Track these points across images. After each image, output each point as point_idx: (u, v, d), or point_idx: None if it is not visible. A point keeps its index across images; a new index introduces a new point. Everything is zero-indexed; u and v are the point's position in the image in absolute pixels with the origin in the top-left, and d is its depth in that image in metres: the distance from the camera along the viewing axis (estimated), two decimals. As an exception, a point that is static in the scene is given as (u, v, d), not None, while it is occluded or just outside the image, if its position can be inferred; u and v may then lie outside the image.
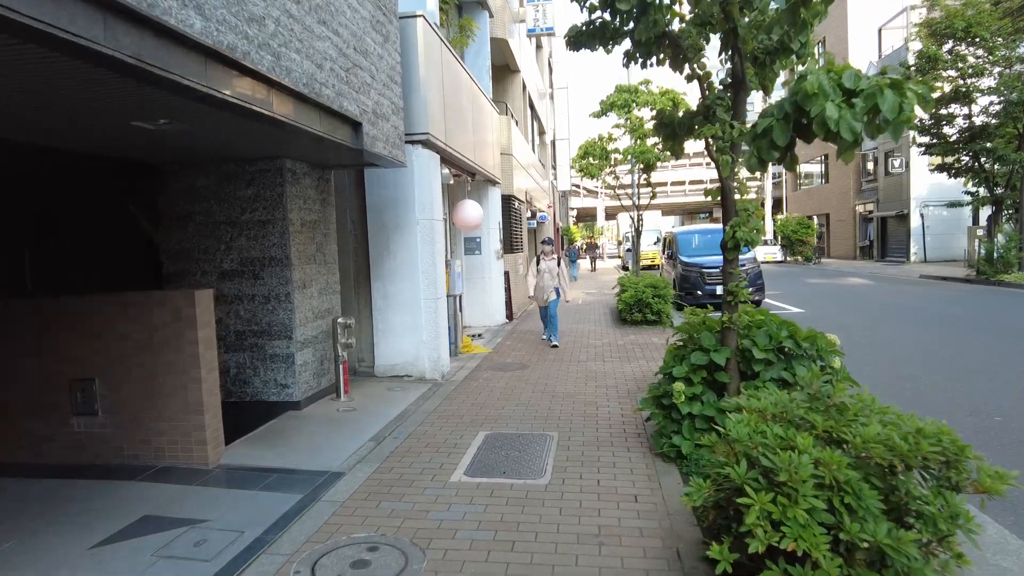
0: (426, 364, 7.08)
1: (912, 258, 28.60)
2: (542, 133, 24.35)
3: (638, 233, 12.63)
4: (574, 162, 12.23)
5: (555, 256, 9.40)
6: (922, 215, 28.32)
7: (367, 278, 7.21)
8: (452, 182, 8.94)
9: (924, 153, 20.65)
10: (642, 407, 4.56)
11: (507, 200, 13.25)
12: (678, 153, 5.24)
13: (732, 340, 4.35)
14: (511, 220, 13.43)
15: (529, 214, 16.07)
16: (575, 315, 12.95)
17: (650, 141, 11.66)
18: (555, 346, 9.11)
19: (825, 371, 4.32)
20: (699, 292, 13.18)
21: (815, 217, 38.43)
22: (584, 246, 38.71)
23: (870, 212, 32.83)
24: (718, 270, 12.98)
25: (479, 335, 10.22)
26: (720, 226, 14.42)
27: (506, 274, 12.19)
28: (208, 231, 5.78)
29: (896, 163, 28.94)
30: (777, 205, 44.64)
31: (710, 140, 4.21)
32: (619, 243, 41.32)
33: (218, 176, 5.74)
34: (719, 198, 4.62)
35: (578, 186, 58.18)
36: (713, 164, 4.28)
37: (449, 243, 10.36)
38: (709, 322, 4.87)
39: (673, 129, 5.09)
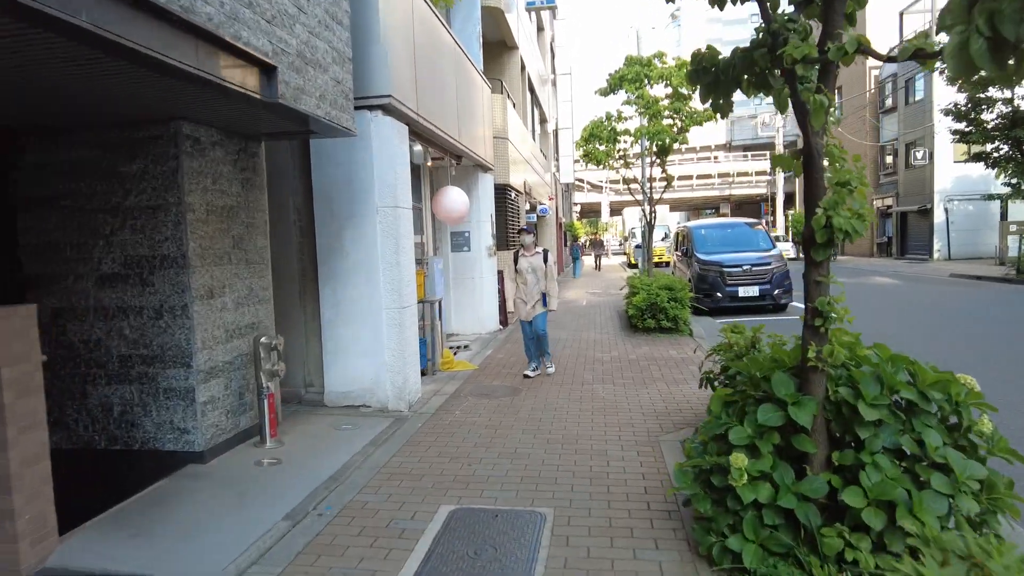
0: (388, 391, 5.58)
1: (935, 255, 26.99)
2: (543, 121, 22.80)
3: (650, 228, 11.11)
4: (578, 146, 10.70)
5: (539, 250, 6.99)
6: (946, 210, 26.70)
7: (315, 282, 5.70)
8: (430, 163, 7.44)
9: (959, 141, 19.02)
10: (680, 486, 3.04)
11: (502, 190, 11.74)
12: (724, 110, 3.70)
13: (819, 387, 2.84)
14: (507, 212, 11.93)
15: (528, 207, 14.55)
16: (578, 319, 11.45)
17: (666, 122, 10.12)
18: (549, 374, 7.01)
19: (961, 434, 2.81)
20: (719, 294, 11.65)
21: (829, 212, 36.74)
22: (588, 242, 37.05)
23: (889, 207, 31.22)
24: (740, 269, 11.49)
25: (465, 347, 8.71)
26: (738, 220, 12.77)
27: (500, 274, 10.68)
28: (82, 220, 4.28)
29: (919, 155, 27.32)
30: (789, 200, 43.01)
31: (798, 67, 2.68)
32: (624, 239, 39.74)
33: (94, 145, 4.23)
34: (793, 167, 3.11)
35: (582, 181, 56.64)
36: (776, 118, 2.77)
37: (432, 238, 8.86)
38: (774, 353, 3.34)
39: (716, 76, 3.56)
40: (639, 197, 12.16)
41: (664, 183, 10.49)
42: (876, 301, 13.22)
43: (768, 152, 54.35)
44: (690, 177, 58.23)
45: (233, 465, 4.30)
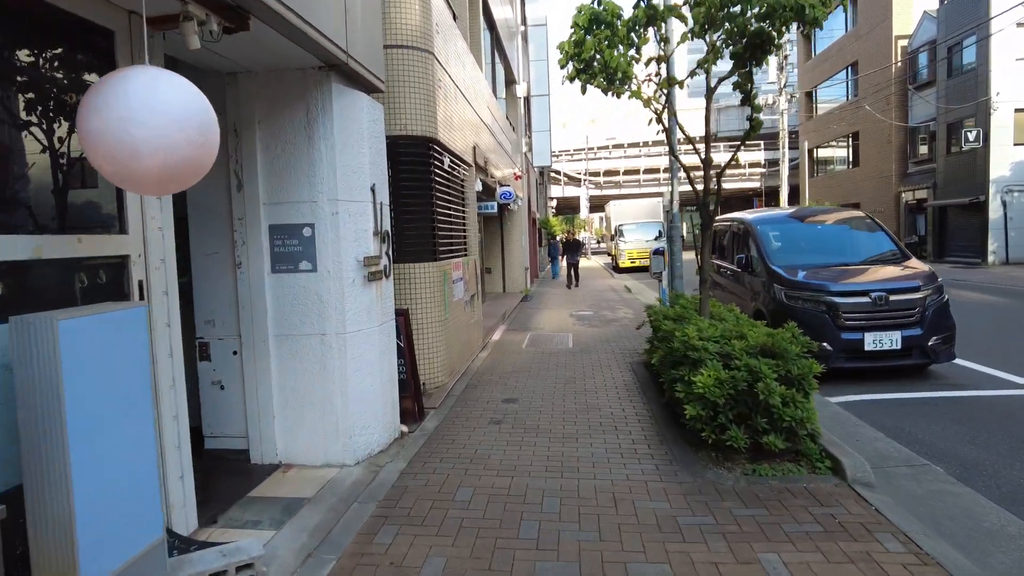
0: None
1: (990, 258, 22.13)
2: (511, 83, 17.25)
3: (707, 218, 5.57)
4: (563, 53, 5.10)
5: None
6: (1004, 203, 21.85)
7: None
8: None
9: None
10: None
11: (423, 148, 6.21)
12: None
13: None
14: (434, 193, 6.37)
15: (479, 187, 8.97)
16: (565, 391, 5.88)
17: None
18: None
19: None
20: (826, 345, 6.20)
21: (842, 208, 31.91)
22: (562, 243, 31.07)
23: (922, 201, 26.35)
24: (868, 300, 6.06)
25: (244, 568, 3.01)
26: (831, 209, 7.09)
27: (401, 318, 5.10)
28: None
29: (970, 136, 22.41)
30: (794, 194, 38.13)
31: None
32: (610, 237, 34.15)
33: None
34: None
35: (558, 173, 50.96)
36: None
37: (153, 237, 3.25)
38: None
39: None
40: (685, 157, 6.61)
41: (748, 127, 5.00)
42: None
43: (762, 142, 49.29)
44: (657, 170, 52.77)
45: None
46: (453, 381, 6.59)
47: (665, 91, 5.15)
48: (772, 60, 32.16)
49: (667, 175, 50.40)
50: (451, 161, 7.19)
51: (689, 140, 5.60)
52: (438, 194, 6.62)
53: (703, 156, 5.55)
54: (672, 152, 5.82)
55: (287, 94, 4.10)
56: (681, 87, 5.07)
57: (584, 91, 5.08)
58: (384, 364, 4.52)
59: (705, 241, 5.71)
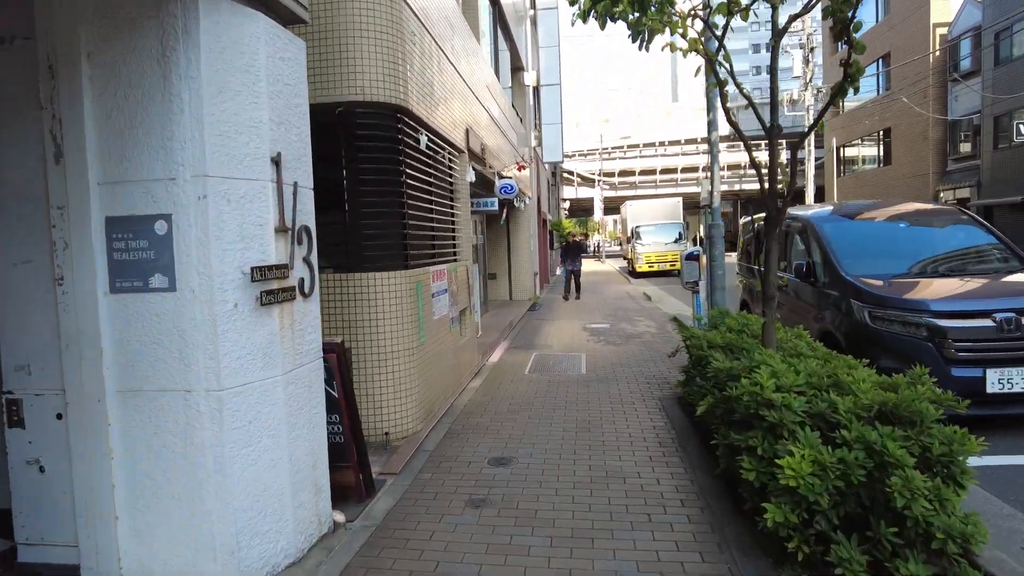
0: None
1: (1044, 263, 20.20)
2: (519, 69, 15.71)
3: (775, 211, 3.98)
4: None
5: None
6: (1060, 202, 19.92)
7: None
8: None
9: None
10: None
11: (388, 118, 4.70)
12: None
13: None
14: (403, 176, 4.86)
15: (471, 177, 7.41)
16: (574, 441, 4.23)
17: None
18: None
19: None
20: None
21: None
22: (564, 247, 29.12)
23: (964, 200, 24.41)
24: (991, 323, 4.44)
25: None
26: (936, 207, 5.57)
27: (333, 353, 3.54)
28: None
29: (1023, 128, 20.49)
30: (819, 194, 36.18)
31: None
32: (626, 240, 32.40)
33: None
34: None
35: (571, 173, 49.21)
36: None
37: None
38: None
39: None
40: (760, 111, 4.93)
41: (844, 71, 3.44)
42: None
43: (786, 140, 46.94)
44: (674, 170, 50.60)
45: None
46: (429, 427, 5.04)
47: (722, 17, 3.57)
48: (797, 53, 30.46)
49: (685, 175, 48.61)
50: (431, 141, 5.66)
51: (748, 101, 4.01)
52: (411, 181, 5.10)
53: (768, 124, 3.95)
54: (726, 115, 4.20)
55: (132, 12, 2.58)
56: (745, 18, 3.52)
57: (603, 25, 3.52)
58: (297, 431, 2.98)
59: (772, 244, 4.10)
